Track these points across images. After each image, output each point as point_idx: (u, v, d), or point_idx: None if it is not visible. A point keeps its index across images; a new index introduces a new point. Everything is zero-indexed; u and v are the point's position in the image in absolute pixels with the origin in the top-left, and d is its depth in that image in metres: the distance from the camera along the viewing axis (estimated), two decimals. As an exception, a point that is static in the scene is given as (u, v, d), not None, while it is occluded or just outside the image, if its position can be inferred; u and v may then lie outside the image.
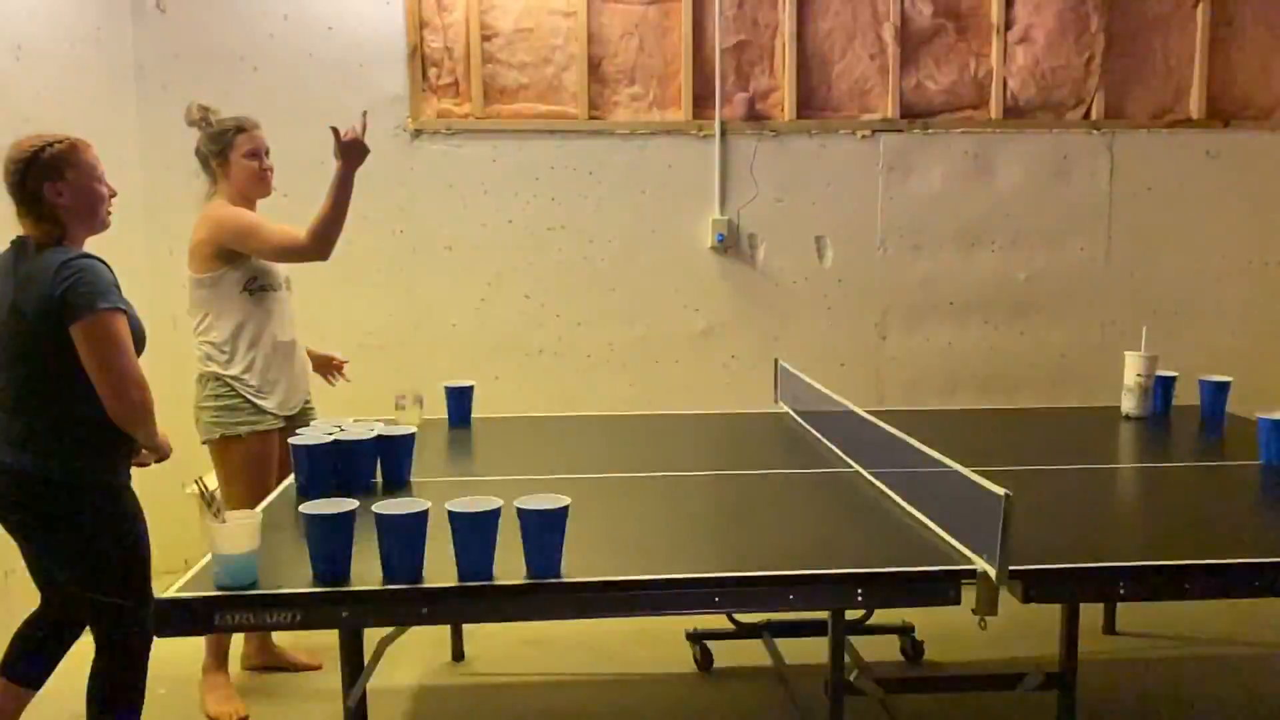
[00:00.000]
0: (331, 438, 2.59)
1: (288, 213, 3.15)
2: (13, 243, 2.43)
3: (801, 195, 4.48)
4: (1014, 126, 4.51)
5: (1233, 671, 3.40)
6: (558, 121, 4.36)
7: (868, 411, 2.86)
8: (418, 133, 4.32)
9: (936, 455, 2.32)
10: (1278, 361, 4.57)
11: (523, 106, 4.36)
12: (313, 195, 3.03)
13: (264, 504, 2.50)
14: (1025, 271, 4.59)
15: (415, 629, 2.31)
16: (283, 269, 3.22)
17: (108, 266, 2.38)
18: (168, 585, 1.95)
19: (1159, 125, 4.55)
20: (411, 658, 3.43)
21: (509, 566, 1.97)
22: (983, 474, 2.09)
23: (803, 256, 4.52)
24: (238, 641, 3.37)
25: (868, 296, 4.55)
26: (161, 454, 2.53)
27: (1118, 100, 4.54)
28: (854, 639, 2.86)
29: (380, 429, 2.69)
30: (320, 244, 3.00)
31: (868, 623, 3.08)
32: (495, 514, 1.95)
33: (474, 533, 1.94)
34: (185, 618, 1.89)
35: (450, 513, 1.94)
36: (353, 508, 1.98)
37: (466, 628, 3.54)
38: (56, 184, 2.36)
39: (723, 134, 4.41)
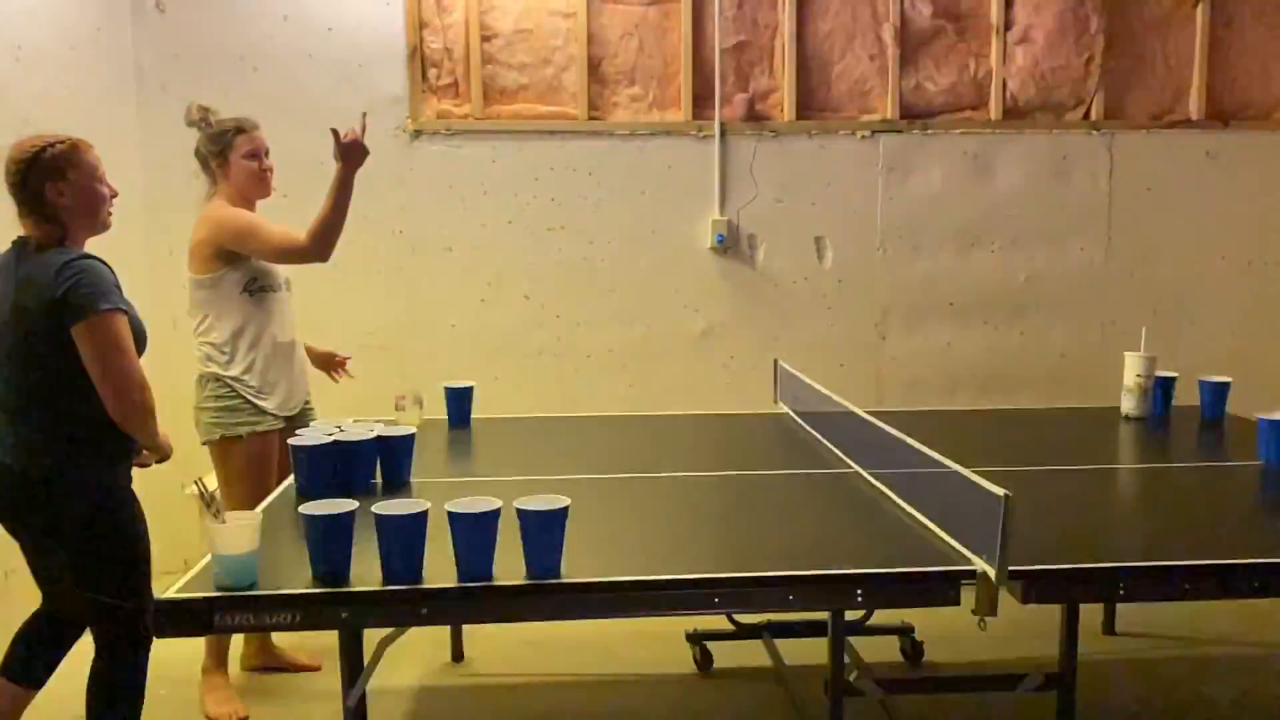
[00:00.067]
0: (331, 438, 2.59)
1: (288, 213, 3.15)
2: (14, 243, 2.43)
3: (801, 196, 4.48)
4: (1014, 127, 4.51)
5: (1233, 671, 3.40)
6: (557, 122, 4.36)
7: (867, 412, 2.86)
8: (417, 133, 4.32)
9: (936, 456, 2.32)
10: (1278, 361, 4.57)
11: (522, 107, 4.36)
12: (312, 196, 3.03)
13: (264, 505, 2.50)
14: (1025, 272, 4.59)
15: (415, 630, 2.30)
16: (283, 270, 3.22)
17: (109, 267, 2.38)
18: (168, 586, 1.95)
19: (1159, 126, 4.55)
20: (411, 658, 3.43)
21: (509, 567, 1.97)
22: (982, 474, 2.09)
23: (802, 257, 4.52)
24: (237, 642, 3.37)
25: (867, 297, 4.55)
26: (162, 454, 2.53)
27: (1117, 101, 4.54)
28: (854, 639, 2.86)
29: (380, 429, 2.69)
30: (320, 245, 3.00)
31: (868, 623, 3.08)
32: (495, 515, 1.95)
33: (474, 533, 1.94)
34: (185, 618, 1.89)
35: (450, 513, 1.94)
36: (352, 508, 1.98)
37: (466, 628, 3.53)
38: (58, 184, 2.37)
39: (722, 134, 4.41)
